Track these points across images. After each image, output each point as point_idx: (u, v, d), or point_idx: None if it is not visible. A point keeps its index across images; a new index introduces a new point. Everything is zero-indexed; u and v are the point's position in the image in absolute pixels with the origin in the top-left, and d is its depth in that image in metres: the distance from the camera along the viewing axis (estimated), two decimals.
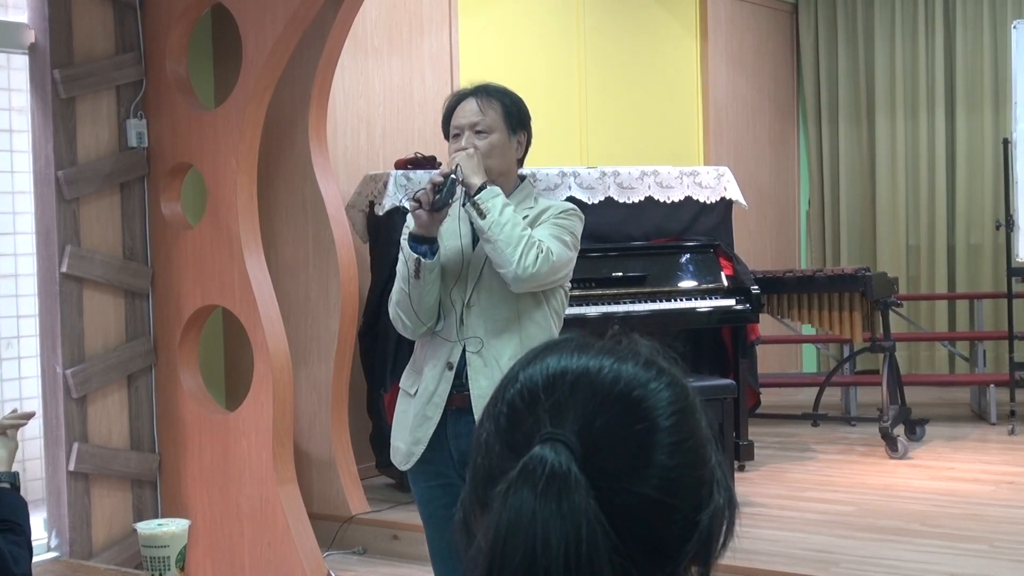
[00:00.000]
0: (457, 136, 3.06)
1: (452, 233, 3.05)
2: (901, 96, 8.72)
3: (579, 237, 3.10)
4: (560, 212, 3.07)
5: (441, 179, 2.93)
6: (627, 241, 5.84)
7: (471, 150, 3.00)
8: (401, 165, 5.65)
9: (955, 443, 6.46)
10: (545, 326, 3.02)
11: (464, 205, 2.99)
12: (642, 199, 6.00)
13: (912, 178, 8.74)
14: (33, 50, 4.55)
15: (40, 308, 4.61)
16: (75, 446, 4.55)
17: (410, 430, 3.03)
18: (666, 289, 5.69)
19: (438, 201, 2.91)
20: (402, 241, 3.02)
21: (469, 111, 3.05)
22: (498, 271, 2.94)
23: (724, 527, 1.03)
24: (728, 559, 1.07)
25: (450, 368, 2.98)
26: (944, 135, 8.61)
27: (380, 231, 5.45)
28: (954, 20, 8.60)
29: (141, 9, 4.82)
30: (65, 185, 4.52)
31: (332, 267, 5.05)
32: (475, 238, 3.02)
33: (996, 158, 8.06)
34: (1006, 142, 6.88)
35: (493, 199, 2.93)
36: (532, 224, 3.00)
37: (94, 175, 4.64)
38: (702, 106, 8.18)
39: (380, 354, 5.35)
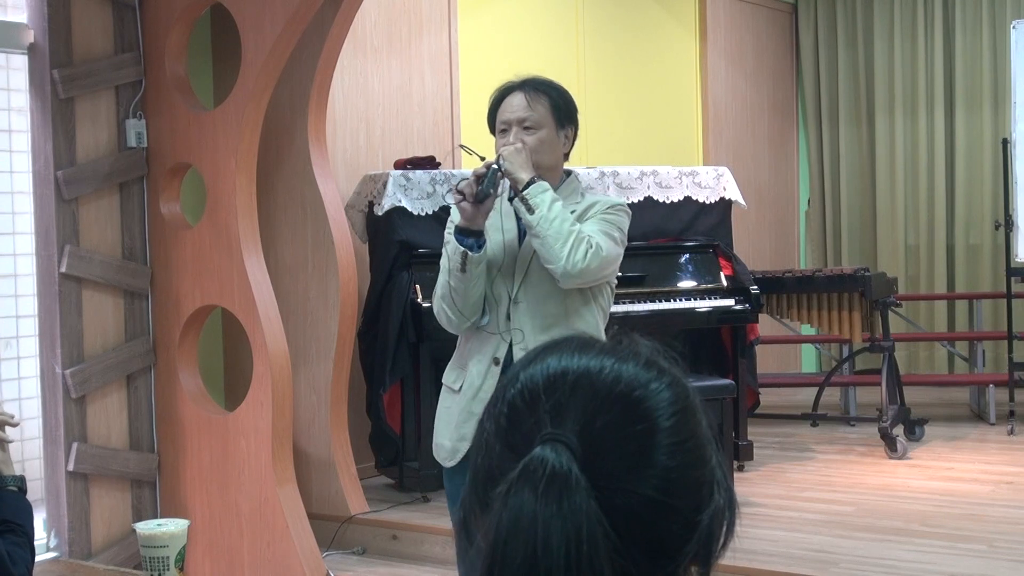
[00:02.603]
0: (504, 131, 3.02)
1: (498, 227, 3.02)
2: (900, 96, 8.73)
3: (627, 233, 3.07)
4: (608, 207, 3.04)
5: (484, 170, 2.91)
6: None
7: (519, 144, 2.97)
8: (400, 165, 5.65)
9: (954, 443, 6.46)
10: (592, 323, 3.01)
11: (512, 200, 2.97)
12: (641, 199, 6.00)
13: (911, 178, 8.74)
14: (32, 50, 4.55)
15: (39, 308, 4.61)
16: (74, 446, 4.55)
17: (455, 426, 3.00)
18: (665, 289, 5.69)
19: (480, 192, 2.89)
20: (447, 234, 3.00)
21: (517, 106, 3.01)
22: (546, 267, 2.91)
23: (724, 527, 1.03)
24: (728, 559, 1.07)
25: (496, 363, 2.95)
26: (943, 135, 8.61)
27: (379, 231, 5.45)
28: (953, 20, 8.60)
29: (140, 9, 4.82)
30: (64, 185, 4.52)
31: (331, 267, 5.05)
32: (522, 233, 3.00)
33: (995, 158, 8.06)
34: (1005, 142, 6.88)
35: (542, 194, 2.90)
36: (579, 219, 2.98)
37: (93, 175, 4.63)
38: (701, 106, 8.19)
39: (379, 354, 5.35)
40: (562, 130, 3.06)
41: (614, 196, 3.70)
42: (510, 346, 2.95)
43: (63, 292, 4.54)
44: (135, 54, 4.80)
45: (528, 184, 2.91)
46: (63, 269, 4.53)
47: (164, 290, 4.86)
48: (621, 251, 3.03)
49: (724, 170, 6.36)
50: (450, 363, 3.12)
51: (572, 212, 2.98)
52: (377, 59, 6.00)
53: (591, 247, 2.89)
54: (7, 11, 4.57)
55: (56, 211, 4.52)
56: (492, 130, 3.09)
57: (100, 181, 4.66)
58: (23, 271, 4.65)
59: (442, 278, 2.98)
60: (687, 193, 6.13)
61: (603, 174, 5.93)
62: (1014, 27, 6.85)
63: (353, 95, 5.88)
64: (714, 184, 6.23)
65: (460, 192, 2.91)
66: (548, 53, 6.94)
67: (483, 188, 2.89)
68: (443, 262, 2.98)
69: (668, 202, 6.08)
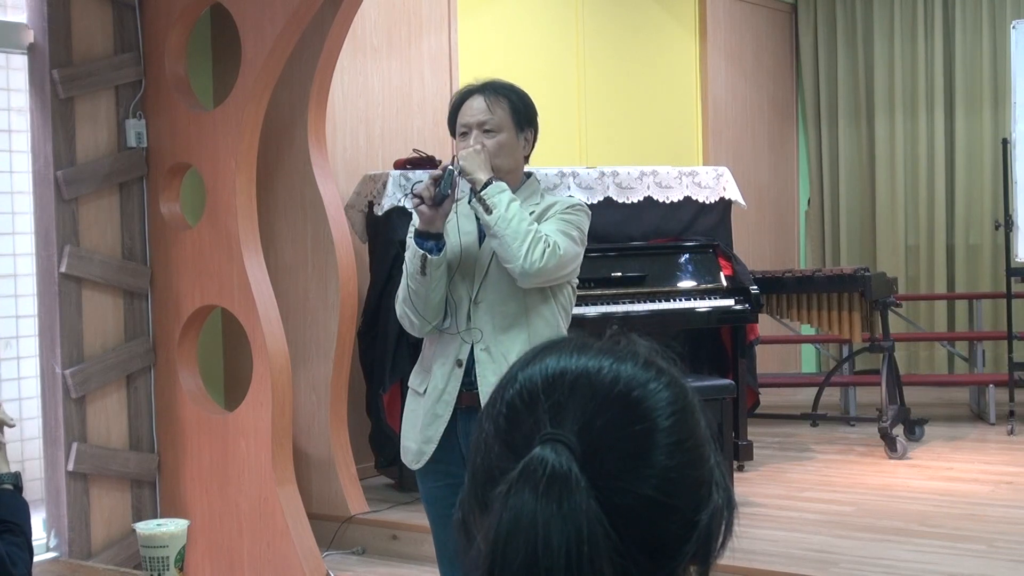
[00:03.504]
0: (465, 134, 3.05)
1: (459, 230, 3.04)
2: (900, 96, 8.73)
3: (586, 233, 3.08)
4: (567, 207, 3.06)
5: (440, 172, 2.94)
6: (626, 241, 5.84)
7: (477, 147, 2.99)
8: (400, 165, 5.65)
9: (954, 443, 6.47)
10: (553, 322, 3.02)
11: (471, 201, 2.99)
12: (641, 199, 6.00)
13: (911, 178, 8.74)
14: (32, 50, 4.55)
15: (39, 308, 4.61)
16: (74, 446, 4.55)
17: (420, 429, 3.01)
18: (665, 289, 5.68)
19: (438, 194, 2.92)
20: (408, 238, 3.02)
21: (477, 109, 3.04)
22: (505, 266, 2.94)
23: (723, 527, 1.03)
24: (727, 559, 1.07)
25: (459, 365, 2.97)
26: (943, 135, 8.62)
27: (379, 231, 5.45)
28: (953, 20, 8.60)
29: (140, 9, 4.82)
30: (64, 185, 4.52)
31: (331, 267, 5.06)
32: (482, 234, 3.02)
33: (995, 158, 8.06)
34: (1005, 142, 6.89)
35: (499, 194, 2.93)
36: (539, 220, 3.00)
37: (93, 175, 4.64)
38: (701, 106, 8.19)
39: (379, 354, 5.35)
40: (522, 133, 3.08)
41: (575, 196, 3.71)
42: (472, 347, 2.96)
43: (63, 292, 4.54)
44: (135, 54, 4.80)
45: (486, 185, 2.94)
46: (63, 269, 4.53)
47: (164, 290, 4.86)
48: (580, 250, 3.05)
49: (724, 170, 6.36)
50: (415, 366, 3.14)
51: (531, 213, 3.00)
52: (377, 59, 6.00)
53: (548, 246, 2.91)
54: (7, 11, 4.57)
55: (56, 211, 4.52)
56: (453, 133, 3.11)
57: (100, 181, 4.66)
58: (23, 271, 4.65)
59: (404, 281, 2.99)
60: (687, 193, 6.13)
61: (603, 174, 5.92)
62: (1014, 27, 6.85)
63: (353, 95, 5.88)
64: (714, 184, 6.23)
65: (418, 196, 2.93)
66: (548, 53, 6.93)
67: (440, 190, 2.92)
68: (405, 265, 2.99)
69: (668, 202, 6.08)
